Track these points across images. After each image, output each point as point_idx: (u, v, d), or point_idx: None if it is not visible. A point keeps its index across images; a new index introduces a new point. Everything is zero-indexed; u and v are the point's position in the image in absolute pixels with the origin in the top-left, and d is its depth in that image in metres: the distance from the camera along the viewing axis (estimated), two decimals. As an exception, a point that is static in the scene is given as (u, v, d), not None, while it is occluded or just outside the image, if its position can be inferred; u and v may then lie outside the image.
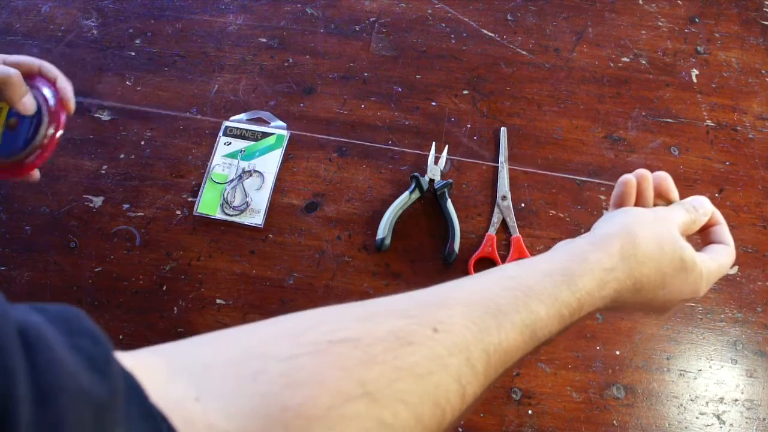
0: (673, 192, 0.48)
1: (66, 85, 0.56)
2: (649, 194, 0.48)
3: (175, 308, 0.61)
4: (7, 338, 0.21)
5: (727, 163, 0.68)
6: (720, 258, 0.45)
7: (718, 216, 0.48)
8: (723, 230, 0.47)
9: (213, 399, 0.27)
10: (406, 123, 0.71)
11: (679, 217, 0.45)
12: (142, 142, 0.70)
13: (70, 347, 0.23)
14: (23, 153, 0.53)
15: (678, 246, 0.42)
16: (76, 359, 0.23)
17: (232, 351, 0.30)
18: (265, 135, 0.69)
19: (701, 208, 0.47)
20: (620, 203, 0.48)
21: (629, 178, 0.47)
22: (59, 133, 0.54)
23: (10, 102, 0.53)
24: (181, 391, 0.27)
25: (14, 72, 0.53)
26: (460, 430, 0.57)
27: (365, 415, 0.28)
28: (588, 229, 0.66)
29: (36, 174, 0.55)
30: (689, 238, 0.45)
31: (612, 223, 0.43)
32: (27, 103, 0.54)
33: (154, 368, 0.27)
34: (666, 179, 0.48)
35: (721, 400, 0.57)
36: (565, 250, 0.40)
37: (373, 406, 0.28)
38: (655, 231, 0.42)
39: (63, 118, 0.55)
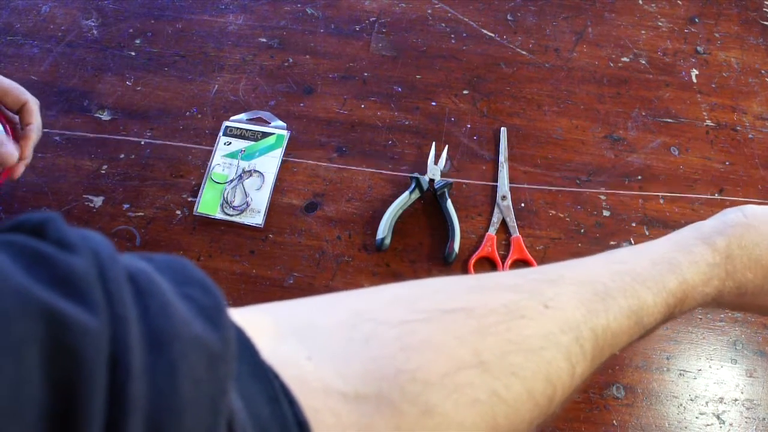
0: None
1: (34, 132, 0.54)
2: None
3: (175, 308, 0.62)
4: (118, 284, 0.20)
5: (727, 163, 0.68)
6: None
7: None
8: None
9: (325, 359, 0.26)
10: (406, 123, 0.71)
11: None
12: (142, 142, 0.70)
13: (181, 295, 0.22)
14: None
15: None
16: (188, 307, 0.22)
17: (341, 314, 0.29)
18: (265, 135, 0.69)
19: None
20: None
21: None
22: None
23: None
24: (292, 350, 0.26)
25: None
26: (460, 430, 0.57)
27: (479, 385, 0.28)
28: (587, 230, 0.66)
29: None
30: None
31: (724, 219, 0.41)
32: (4, 155, 0.52)
33: (262, 325, 0.27)
34: None
35: (721, 399, 0.57)
36: (672, 239, 0.40)
37: (486, 377, 0.28)
38: (766, 233, 0.40)
39: (18, 168, 0.54)
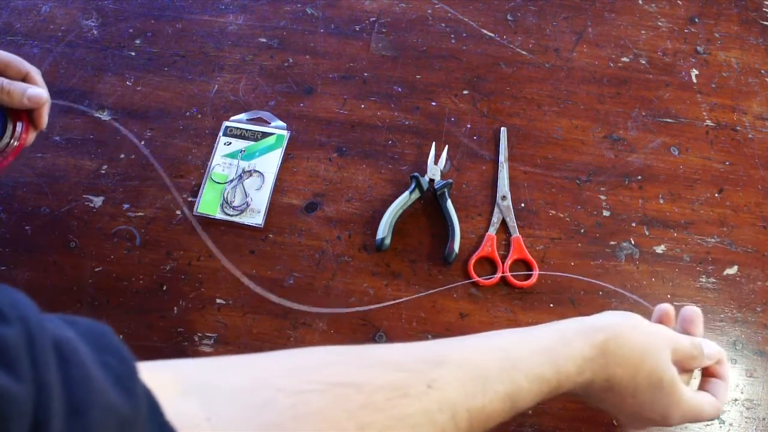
0: (696, 329, 0.50)
1: (44, 98, 0.54)
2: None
3: (175, 308, 0.62)
4: (45, 353, 0.22)
5: (727, 163, 0.68)
6: (702, 404, 0.46)
7: (724, 372, 0.49)
8: (720, 386, 0.48)
9: (223, 421, 0.29)
10: (406, 123, 0.71)
11: (678, 342, 0.46)
12: (142, 142, 0.70)
13: (99, 363, 0.25)
14: None
15: (661, 364, 0.44)
16: (105, 375, 0.24)
17: (242, 378, 0.32)
18: (265, 135, 0.69)
19: (708, 350, 0.48)
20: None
21: (665, 308, 0.51)
22: (16, 143, 0.54)
23: (14, 105, 0.53)
24: (193, 410, 0.29)
25: (5, 80, 0.52)
26: (460, 430, 0.57)
27: None
28: (587, 230, 0.66)
29: None
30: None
31: (608, 319, 0.45)
32: (33, 95, 0.53)
33: (168, 384, 0.29)
34: (693, 320, 0.50)
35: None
36: (556, 329, 0.43)
37: None
38: (644, 340, 0.44)
39: (25, 132, 0.54)
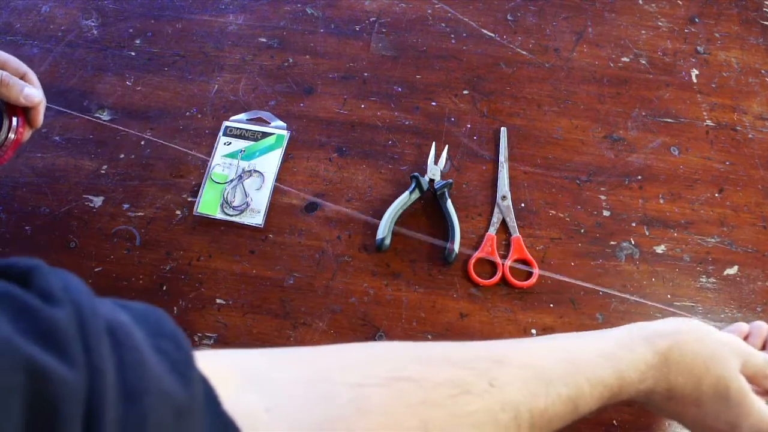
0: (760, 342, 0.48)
1: (39, 98, 0.55)
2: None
3: (175, 308, 0.62)
4: (97, 337, 0.21)
5: (727, 163, 0.68)
6: None
7: None
8: None
9: (283, 413, 0.28)
10: (406, 123, 0.71)
11: (751, 355, 0.44)
12: (142, 142, 0.70)
13: (154, 349, 0.24)
14: None
15: (727, 373, 0.42)
16: (160, 361, 0.23)
17: (301, 371, 0.31)
18: (265, 135, 0.69)
19: None
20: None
21: (740, 326, 0.49)
22: (13, 135, 0.54)
23: (12, 100, 0.53)
24: (252, 402, 0.28)
25: (6, 74, 0.52)
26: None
27: None
28: (587, 230, 0.66)
29: None
30: None
31: (672, 325, 0.44)
32: (30, 95, 0.53)
33: (226, 375, 0.28)
34: (760, 334, 0.48)
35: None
36: (617, 335, 0.42)
37: None
38: (709, 350, 0.42)
39: (22, 127, 0.55)
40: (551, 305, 0.61)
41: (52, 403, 0.19)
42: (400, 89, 0.73)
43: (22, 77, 0.56)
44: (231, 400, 0.26)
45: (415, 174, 0.65)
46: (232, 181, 0.67)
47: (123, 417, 0.20)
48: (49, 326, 0.20)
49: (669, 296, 0.62)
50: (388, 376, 0.32)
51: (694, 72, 0.74)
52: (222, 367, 0.29)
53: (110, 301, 0.25)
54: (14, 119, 0.55)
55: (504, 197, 0.66)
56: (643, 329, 0.43)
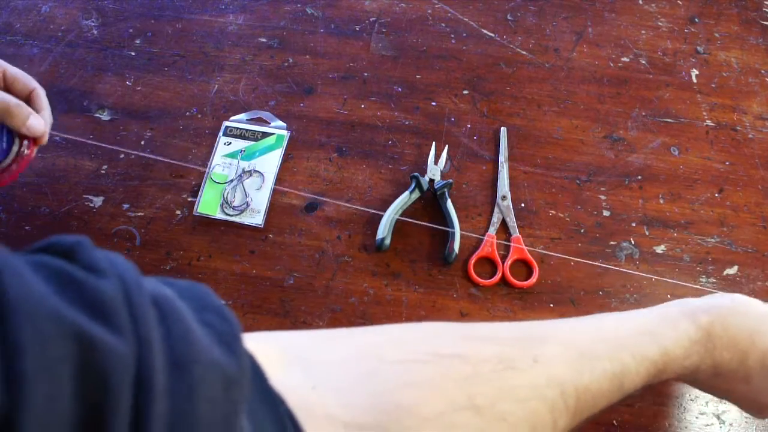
0: None
1: (47, 119, 0.55)
2: None
3: (175, 308, 0.61)
4: (143, 308, 0.21)
5: (727, 163, 0.68)
6: None
7: None
8: None
9: (329, 390, 0.28)
10: (406, 123, 0.71)
11: None
12: (142, 142, 0.70)
13: (200, 322, 0.24)
14: None
15: None
16: (207, 333, 0.23)
17: (346, 349, 0.32)
18: (265, 135, 0.69)
19: None
20: None
21: None
22: (22, 159, 0.54)
23: (15, 129, 0.53)
24: (298, 379, 0.28)
25: (13, 101, 0.52)
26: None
27: (470, 426, 0.30)
28: (587, 230, 0.66)
29: None
30: None
31: (714, 300, 0.43)
32: (33, 126, 0.53)
33: (272, 354, 0.28)
34: None
35: (721, 399, 0.57)
36: (658, 311, 0.41)
37: (477, 419, 0.30)
38: (754, 323, 0.41)
39: (30, 148, 0.54)
40: (551, 305, 0.61)
41: (103, 372, 0.19)
42: (400, 89, 0.73)
43: (30, 93, 0.55)
44: (278, 378, 0.26)
45: (415, 174, 0.65)
46: (232, 181, 0.67)
47: (173, 386, 0.20)
48: (95, 297, 0.20)
49: (669, 296, 0.62)
50: (434, 352, 0.32)
51: (694, 72, 0.74)
52: (267, 347, 0.29)
53: (154, 278, 0.25)
54: (24, 142, 0.54)
55: (504, 197, 0.66)
56: (684, 305, 0.42)
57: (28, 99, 0.56)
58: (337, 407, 0.27)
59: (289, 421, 0.25)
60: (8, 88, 0.55)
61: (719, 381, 0.42)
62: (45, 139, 0.56)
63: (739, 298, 0.44)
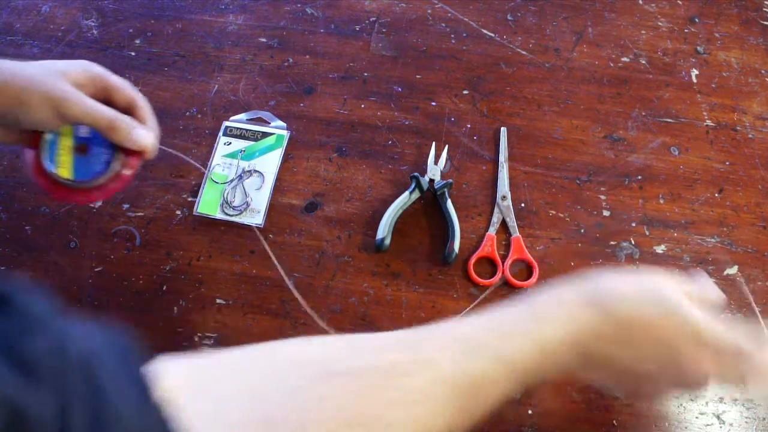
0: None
1: (153, 129, 0.53)
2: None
3: (175, 308, 0.62)
4: (72, 368, 0.23)
5: (727, 163, 0.68)
6: (724, 330, 0.41)
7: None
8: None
9: (230, 419, 0.31)
10: (406, 123, 0.71)
11: (683, 284, 0.43)
12: (142, 142, 0.70)
13: (123, 378, 0.26)
14: (93, 181, 0.52)
15: (657, 286, 0.41)
16: (127, 389, 0.26)
17: (240, 379, 0.34)
18: (265, 135, 0.69)
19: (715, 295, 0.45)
20: None
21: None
22: (128, 171, 0.53)
23: (118, 142, 0.51)
24: (204, 411, 0.31)
25: (116, 115, 0.50)
26: (460, 430, 0.57)
27: None
28: (587, 230, 0.66)
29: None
30: None
31: (589, 278, 0.44)
32: (138, 138, 0.51)
33: (179, 384, 0.30)
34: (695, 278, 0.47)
35: (721, 399, 0.57)
36: (542, 299, 0.43)
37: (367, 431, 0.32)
38: (627, 279, 0.43)
39: (134, 160, 0.53)
40: (551, 305, 0.61)
41: None
42: (400, 89, 0.73)
43: (132, 104, 0.53)
44: (186, 413, 0.28)
45: (415, 174, 0.65)
46: (232, 181, 0.67)
47: None
48: (26, 359, 0.22)
49: (669, 296, 0.62)
50: (324, 372, 0.34)
51: (694, 72, 0.74)
52: (173, 379, 0.31)
53: (80, 322, 0.26)
54: (126, 157, 0.53)
55: (504, 197, 0.66)
56: (558, 290, 0.43)
57: (130, 110, 0.53)
58: None
59: None
60: (108, 99, 0.52)
61: (608, 354, 0.42)
62: (154, 152, 0.53)
63: (613, 271, 0.44)
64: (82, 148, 0.53)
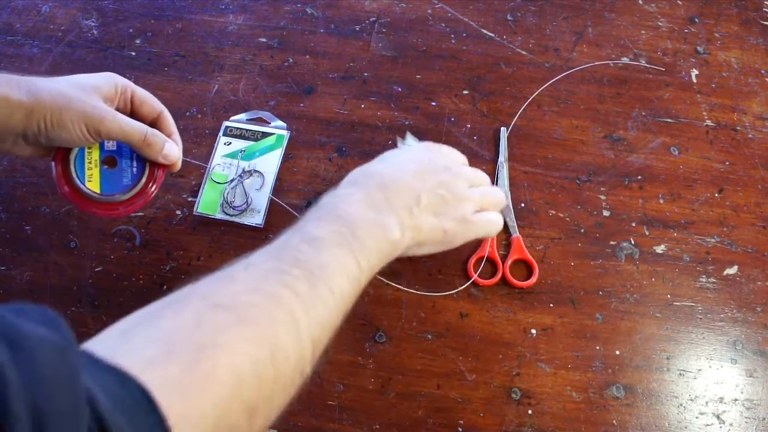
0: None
1: (178, 143, 0.54)
2: None
3: (175, 308, 0.61)
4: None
5: (727, 163, 0.68)
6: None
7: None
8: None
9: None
10: (406, 123, 0.71)
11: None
12: (142, 142, 0.70)
13: (28, 320, 0.28)
14: (122, 195, 0.52)
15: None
16: (33, 323, 0.27)
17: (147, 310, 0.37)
18: (265, 135, 0.69)
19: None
20: None
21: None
22: (154, 187, 0.53)
23: (150, 157, 0.52)
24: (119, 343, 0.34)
25: (149, 131, 0.51)
26: (460, 429, 0.57)
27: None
28: (587, 231, 0.66)
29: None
30: None
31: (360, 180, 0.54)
32: (169, 154, 0.52)
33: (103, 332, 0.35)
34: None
35: (721, 399, 0.57)
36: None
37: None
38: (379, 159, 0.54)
39: (160, 173, 0.54)
40: (551, 305, 0.61)
41: None
42: (400, 89, 0.73)
43: (158, 117, 0.54)
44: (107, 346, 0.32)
45: (415, 174, 0.65)
46: (232, 181, 0.67)
47: (14, 357, 0.24)
48: None
49: (669, 296, 0.62)
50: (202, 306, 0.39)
51: (694, 72, 0.74)
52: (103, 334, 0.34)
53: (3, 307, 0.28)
54: (156, 170, 0.53)
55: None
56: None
57: (156, 122, 0.54)
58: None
59: (128, 377, 0.29)
60: (135, 112, 0.53)
61: (380, 200, 0.50)
62: (178, 166, 0.54)
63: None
64: (109, 161, 0.53)
